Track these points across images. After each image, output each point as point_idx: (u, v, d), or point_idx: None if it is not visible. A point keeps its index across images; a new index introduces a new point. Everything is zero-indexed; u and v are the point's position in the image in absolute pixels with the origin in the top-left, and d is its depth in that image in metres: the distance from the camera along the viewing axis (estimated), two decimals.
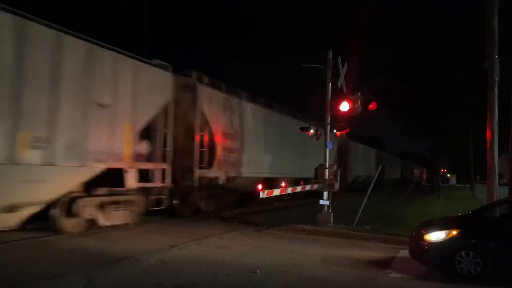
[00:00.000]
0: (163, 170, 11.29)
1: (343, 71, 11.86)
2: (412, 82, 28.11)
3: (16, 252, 7.38)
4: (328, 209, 11.72)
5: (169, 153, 11.50)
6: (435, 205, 20.66)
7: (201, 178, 12.55)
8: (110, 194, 9.95)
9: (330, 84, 11.96)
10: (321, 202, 11.79)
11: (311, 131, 12.43)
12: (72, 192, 9.06)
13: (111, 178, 9.75)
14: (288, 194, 15.92)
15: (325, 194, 11.80)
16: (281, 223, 12.12)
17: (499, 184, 10.19)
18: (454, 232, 6.88)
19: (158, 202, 11.21)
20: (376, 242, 9.94)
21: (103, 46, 9.58)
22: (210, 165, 13.00)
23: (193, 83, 12.61)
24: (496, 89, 9.96)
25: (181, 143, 12.16)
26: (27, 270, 6.25)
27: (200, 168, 12.54)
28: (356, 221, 11.53)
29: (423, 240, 7.04)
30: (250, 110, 15.59)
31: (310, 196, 16.50)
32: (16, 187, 7.88)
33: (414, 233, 7.58)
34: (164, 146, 11.38)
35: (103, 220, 9.77)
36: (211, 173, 13.08)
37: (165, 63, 11.54)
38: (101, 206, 9.71)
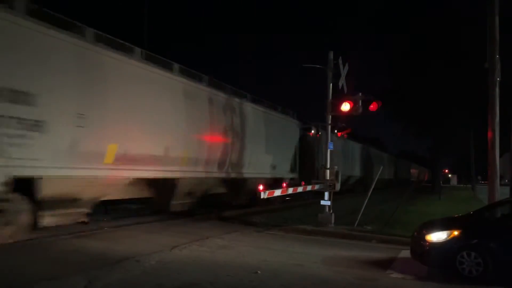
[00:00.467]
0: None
1: (344, 72, 11.86)
2: (413, 82, 28.12)
3: (17, 253, 7.38)
4: (329, 210, 11.72)
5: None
6: (436, 205, 20.61)
7: None
8: None
9: (331, 84, 11.97)
10: (322, 202, 11.79)
11: (312, 131, 12.44)
12: None
13: None
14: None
15: (326, 194, 11.80)
16: (282, 224, 12.11)
17: (501, 185, 10.18)
18: (456, 233, 6.87)
19: None
20: (377, 242, 9.93)
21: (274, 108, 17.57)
22: None
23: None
24: (497, 89, 9.95)
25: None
26: (27, 271, 6.25)
27: None
28: (357, 221, 11.52)
29: (424, 240, 7.03)
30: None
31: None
32: None
33: (415, 233, 7.56)
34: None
35: None
36: None
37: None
38: None
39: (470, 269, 6.51)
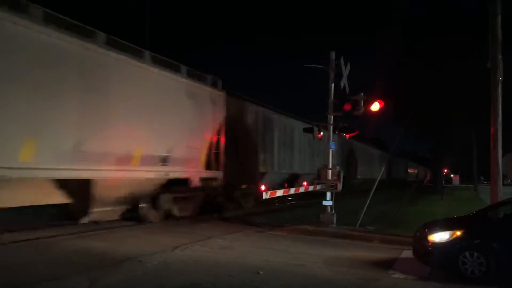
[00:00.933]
0: None
1: (345, 72, 11.85)
2: (414, 82, 28.06)
3: (20, 253, 7.40)
4: (331, 210, 11.70)
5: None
6: (438, 205, 20.58)
7: None
8: None
9: (333, 84, 11.95)
10: (324, 202, 11.78)
11: (314, 131, 12.43)
12: None
13: None
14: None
15: (328, 194, 11.78)
16: (284, 224, 12.09)
17: (503, 184, 10.14)
18: (458, 233, 6.84)
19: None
20: (379, 242, 9.91)
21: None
22: None
23: None
24: (499, 89, 9.91)
25: None
26: (30, 271, 6.25)
27: None
28: (359, 221, 11.50)
29: (426, 240, 7.02)
30: None
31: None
32: None
33: (417, 233, 7.55)
34: None
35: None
36: None
37: None
38: None
39: (473, 270, 6.49)
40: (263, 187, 11.93)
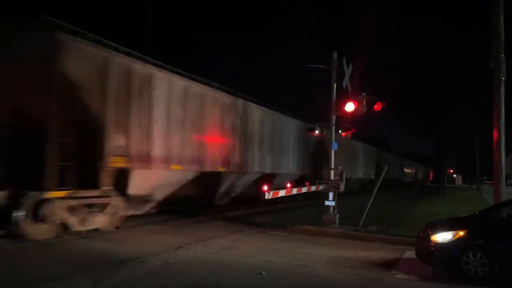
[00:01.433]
0: None
1: (348, 72, 11.84)
2: (417, 82, 28.00)
3: (22, 254, 7.42)
4: (333, 210, 11.69)
5: None
6: (441, 205, 20.55)
7: None
8: None
9: (335, 84, 11.95)
10: (326, 203, 11.76)
11: (316, 131, 12.43)
12: None
13: None
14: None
15: (331, 195, 11.77)
16: (286, 224, 12.09)
17: (506, 185, 10.12)
18: (461, 233, 6.83)
19: None
20: (382, 243, 9.89)
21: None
22: None
23: None
24: (502, 89, 9.90)
25: None
26: (33, 272, 6.28)
27: None
28: (361, 222, 11.49)
29: (429, 241, 7.00)
30: None
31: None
32: None
33: (420, 234, 7.53)
34: None
35: None
36: None
37: None
38: None
39: (476, 270, 6.47)
40: (265, 187, 11.90)
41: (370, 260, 7.99)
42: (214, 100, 13.20)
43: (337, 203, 11.81)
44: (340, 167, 12.19)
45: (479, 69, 15.90)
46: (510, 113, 10.41)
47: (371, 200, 12.09)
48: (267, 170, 16.49)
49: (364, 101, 11.57)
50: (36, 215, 8.22)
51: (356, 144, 28.69)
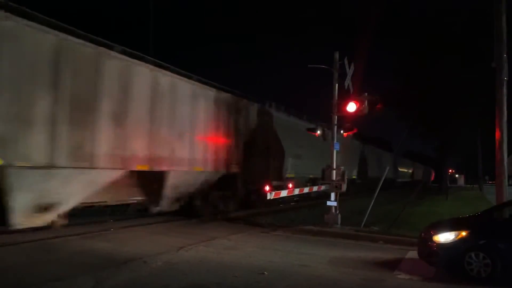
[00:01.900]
0: None
1: (349, 72, 11.83)
2: (419, 82, 27.97)
3: (25, 254, 7.43)
4: (335, 210, 11.68)
5: None
6: (443, 205, 20.50)
7: None
8: None
9: (336, 85, 11.94)
10: (328, 203, 11.76)
11: (318, 132, 12.42)
12: None
13: None
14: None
15: (333, 195, 11.76)
16: (288, 224, 12.09)
17: (509, 184, 10.09)
18: (464, 233, 6.82)
19: None
20: (384, 243, 9.88)
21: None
22: None
23: None
24: (504, 89, 9.88)
25: None
26: (35, 272, 6.29)
27: None
28: (363, 222, 11.48)
29: (432, 241, 6.99)
30: None
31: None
32: None
33: (422, 234, 7.52)
34: None
35: None
36: None
37: None
38: None
39: (479, 270, 6.46)
40: (267, 188, 11.91)
41: (372, 260, 7.99)
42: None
43: (341, 203, 11.82)
44: (342, 167, 12.17)
45: (481, 69, 15.87)
46: None
47: (373, 201, 12.08)
48: None
49: (366, 101, 11.56)
50: None
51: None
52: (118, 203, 11.32)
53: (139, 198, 11.67)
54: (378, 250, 9.11)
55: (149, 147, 10.70)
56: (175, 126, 11.60)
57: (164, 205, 11.70)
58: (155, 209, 11.66)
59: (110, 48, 9.78)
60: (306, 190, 13.05)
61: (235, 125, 14.53)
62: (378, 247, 9.57)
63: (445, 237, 6.86)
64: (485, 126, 25.25)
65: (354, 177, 26.01)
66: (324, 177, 12.09)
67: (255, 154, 15.35)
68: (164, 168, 11.17)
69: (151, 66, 11.01)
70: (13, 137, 7.69)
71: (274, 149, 16.45)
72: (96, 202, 10.28)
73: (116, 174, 9.83)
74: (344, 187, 11.83)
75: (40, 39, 8.17)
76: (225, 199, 14.23)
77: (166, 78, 11.39)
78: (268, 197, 11.09)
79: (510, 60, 9.92)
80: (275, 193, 11.37)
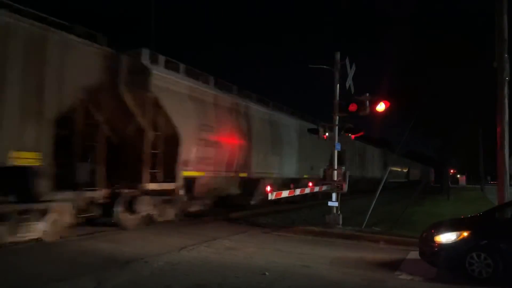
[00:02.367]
0: None
1: (351, 72, 11.83)
2: (420, 82, 27.96)
3: (27, 254, 7.45)
4: (336, 211, 11.67)
5: None
6: (445, 206, 20.48)
7: None
8: None
9: (338, 85, 11.94)
10: (329, 203, 11.75)
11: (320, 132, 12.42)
12: None
13: None
14: None
15: (334, 195, 11.76)
16: (289, 225, 12.09)
17: (510, 185, 10.07)
18: (465, 234, 6.81)
19: None
20: (386, 243, 9.86)
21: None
22: None
23: None
24: (506, 89, 9.86)
25: None
26: (37, 273, 6.31)
27: None
28: (365, 222, 11.47)
29: (433, 241, 6.98)
30: None
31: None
32: None
33: (424, 234, 7.51)
34: None
35: None
36: None
37: None
38: None
39: (480, 271, 6.45)
40: (268, 188, 11.91)
41: (374, 261, 7.98)
42: None
43: (342, 203, 11.82)
44: (344, 168, 12.17)
45: (483, 68, 15.84)
46: None
47: (374, 201, 12.08)
48: None
49: (368, 101, 11.55)
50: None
51: (287, 120, 18.20)
52: None
53: None
54: (380, 251, 9.11)
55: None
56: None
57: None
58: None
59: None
60: (307, 190, 13.04)
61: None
62: (380, 247, 9.56)
63: (446, 237, 6.85)
64: (487, 126, 25.22)
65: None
66: (325, 177, 12.09)
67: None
68: None
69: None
70: None
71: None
72: None
73: None
74: (345, 188, 11.82)
75: None
76: None
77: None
78: (269, 198, 11.09)
79: (511, 60, 9.89)
80: (276, 194, 11.36)
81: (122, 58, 10.23)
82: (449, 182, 32.41)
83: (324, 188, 12.29)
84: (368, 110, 11.57)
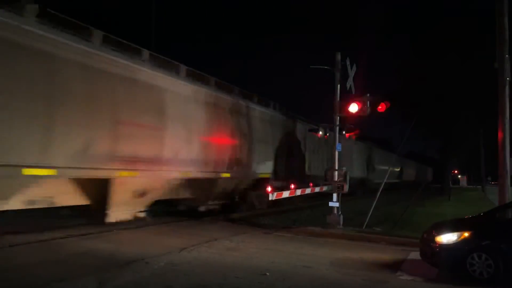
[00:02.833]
0: None
1: (351, 73, 11.84)
2: (421, 82, 27.95)
3: (28, 255, 7.45)
4: (337, 211, 11.67)
5: None
6: (445, 206, 20.47)
7: None
8: None
9: (338, 85, 11.95)
10: (330, 204, 11.75)
11: (320, 132, 12.43)
12: None
13: None
14: None
15: (335, 196, 11.75)
16: (290, 225, 12.09)
17: (511, 185, 10.07)
18: (466, 234, 6.80)
19: None
20: (386, 244, 9.87)
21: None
22: None
23: None
24: (507, 89, 9.86)
25: None
26: (38, 273, 6.30)
27: None
28: (366, 223, 11.47)
29: (434, 242, 6.98)
30: None
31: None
32: None
33: (425, 235, 7.51)
34: None
35: None
36: None
37: None
38: None
39: (481, 271, 6.44)
40: (269, 189, 11.91)
41: (375, 262, 7.98)
42: None
43: (343, 204, 11.82)
44: (344, 168, 12.17)
45: (483, 69, 15.84)
46: None
47: (375, 201, 12.08)
48: None
49: (368, 101, 11.56)
50: None
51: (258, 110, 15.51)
52: None
53: None
54: (381, 251, 9.10)
55: None
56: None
57: None
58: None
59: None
60: (308, 191, 13.05)
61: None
62: (381, 248, 9.56)
63: (447, 238, 6.85)
64: (488, 126, 25.20)
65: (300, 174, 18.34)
66: (326, 177, 12.10)
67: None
68: None
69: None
70: None
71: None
72: None
73: None
74: (346, 188, 11.83)
75: None
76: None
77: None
78: (270, 198, 11.09)
79: None
80: (277, 194, 11.37)
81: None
82: (450, 183, 32.34)
83: (324, 188, 12.28)
84: (369, 110, 11.59)
